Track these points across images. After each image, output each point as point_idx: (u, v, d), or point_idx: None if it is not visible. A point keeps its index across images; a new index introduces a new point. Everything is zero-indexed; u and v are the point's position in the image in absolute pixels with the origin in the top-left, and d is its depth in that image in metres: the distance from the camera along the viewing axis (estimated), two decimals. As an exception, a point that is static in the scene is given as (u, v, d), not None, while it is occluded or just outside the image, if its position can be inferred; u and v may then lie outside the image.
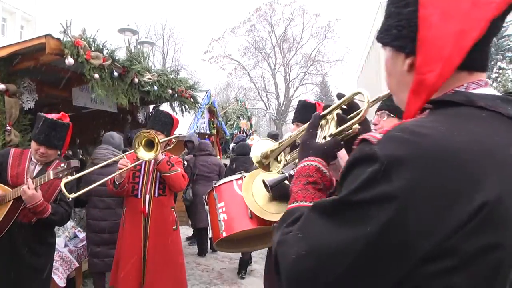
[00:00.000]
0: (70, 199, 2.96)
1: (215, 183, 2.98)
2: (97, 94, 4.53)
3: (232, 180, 2.97)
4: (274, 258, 0.99)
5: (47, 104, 6.58)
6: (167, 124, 3.81)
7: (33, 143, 3.18)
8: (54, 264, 4.50)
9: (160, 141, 3.60)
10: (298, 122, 3.37)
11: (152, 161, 3.60)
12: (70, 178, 3.07)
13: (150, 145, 3.39)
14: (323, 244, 0.83)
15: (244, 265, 6.03)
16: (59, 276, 4.53)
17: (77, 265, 4.87)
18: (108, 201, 4.65)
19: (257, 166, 1.93)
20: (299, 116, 3.39)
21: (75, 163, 3.15)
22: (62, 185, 2.95)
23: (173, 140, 3.97)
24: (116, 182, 3.53)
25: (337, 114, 1.32)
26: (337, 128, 1.30)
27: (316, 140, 1.27)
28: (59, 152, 3.34)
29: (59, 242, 4.78)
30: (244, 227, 2.78)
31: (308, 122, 1.31)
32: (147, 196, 3.68)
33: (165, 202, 3.76)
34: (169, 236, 3.70)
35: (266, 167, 1.89)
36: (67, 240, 4.97)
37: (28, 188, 2.90)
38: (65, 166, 3.10)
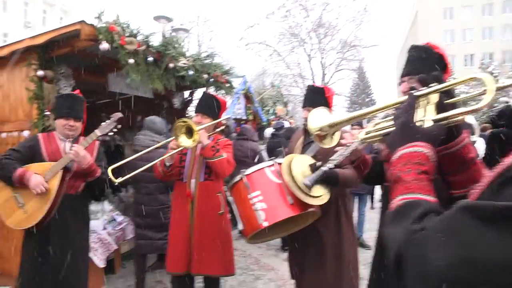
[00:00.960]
0: (117, 183, 2.99)
1: (244, 172, 2.92)
2: (132, 79, 4.54)
3: (264, 168, 2.95)
4: (395, 256, 0.89)
5: (83, 91, 6.66)
6: (213, 107, 3.71)
7: (59, 121, 3.25)
8: (93, 246, 4.61)
9: (207, 124, 3.54)
10: (308, 107, 3.28)
11: (199, 145, 3.51)
12: (115, 164, 3.11)
13: (190, 131, 3.29)
14: (490, 255, 0.73)
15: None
16: (98, 258, 4.63)
17: (116, 247, 4.95)
18: (150, 187, 4.67)
19: (313, 134, 1.87)
20: (308, 102, 3.33)
21: (118, 115, 3.21)
22: (109, 171, 2.98)
23: (223, 122, 3.89)
24: (167, 163, 3.49)
25: (440, 98, 1.19)
26: (436, 113, 1.18)
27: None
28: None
29: (98, 224, 4.87)
30: (287, 214, 2.75)
31: (406, 102, 1.18)
32: (193, 181, 3.60)
33: (211, 187, 3.64)
34: (215, 221, 3.60)
35: (321, 138, 1.82)
36: (106, 223, 5.06)
37: (78, 150, 2.98)
38: (109, 121, 3.17)
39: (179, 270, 3.57)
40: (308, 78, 35.03)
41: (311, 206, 2.79)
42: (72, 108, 3.24)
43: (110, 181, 2.98)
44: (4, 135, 4.55)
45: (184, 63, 5.43)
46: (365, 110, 1.49)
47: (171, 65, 5.14)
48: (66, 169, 3.08)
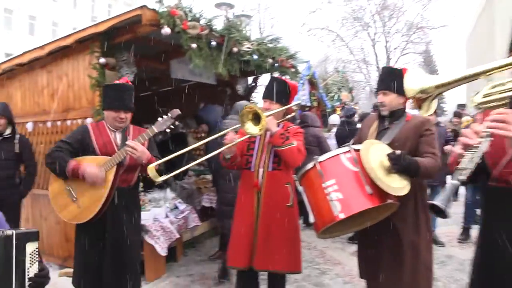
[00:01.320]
0: (157, 183, 2.82)
1: (317, 159, 2.64)
2: (195, 64, 4.36)
3: (339, 154, 2.63)
4: None
5: (146, 78, 6.64)
6: (282, 92, 3.43)
7: (109, 113, 3.11)
8: (155, 234, 4.54)
9: (276, 110, 3.29)
10: (385, 91, 2.94)
11: (267, 133, 3.26)
12: (156, 162, 2.87)
13: (257, 118, 3.04)
14: None
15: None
16: (160, 246, 4.54)
17: (178, 236, 4.84)
18: (231, 174, 4.41)
19: (411, 97, 1.56)
20: (385, 84, 2.97)
21: (176, 112, 3.05)
22: (149, 170, 2.75)
23: (294, 108, 3.63)
24: (225, 156, 3.26)
25: None
26: None
27: None
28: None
29: (160, 212, 4.78)
30: (365, 205, 2.47)
31: None
32: (260, 170, 3.34)
33: (279, 177, 3.35)
34: (282, 213, 3.32)
35: (420, 103, 1.51)
36: (168, 211, 4.95)
37: (135, 146, 2.86)
38: (166, 117, 3.03)
39: (242, 265, 3.34)
40: (372, 63, 33.79)
41: (390, 197, 2.51)
42: (121, 100, 3.08)
43: (150, 179, 2.75)
44: (69, 122, 4.58)
45: (248, 47, 5.20)
46: (484, 66, 1.12)
47: (235, 49, 4.96)
48: (119, 164, 2.97)
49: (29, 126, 4.78)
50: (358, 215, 2.56)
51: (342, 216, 2.43)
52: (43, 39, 5.55)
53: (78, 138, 3.09)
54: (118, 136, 3.14)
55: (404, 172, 2.54)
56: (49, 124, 4.71)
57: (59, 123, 4.72)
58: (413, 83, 1.56)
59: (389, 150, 2.61)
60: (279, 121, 3.38)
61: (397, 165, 2.51)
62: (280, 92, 3.42)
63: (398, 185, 2.50)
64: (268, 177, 3.32)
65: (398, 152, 2.53)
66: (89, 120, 4.22)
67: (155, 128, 3.00)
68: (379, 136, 2.93)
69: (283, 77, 3.79)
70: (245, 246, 3.31)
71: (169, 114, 3.05)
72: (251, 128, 3.03)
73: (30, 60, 4.75)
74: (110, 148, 3.03)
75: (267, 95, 3.45)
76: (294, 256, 3.36)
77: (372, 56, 33.64)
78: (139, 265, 3.24)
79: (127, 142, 2.92)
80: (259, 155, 3.37)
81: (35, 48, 4.62)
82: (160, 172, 2.80)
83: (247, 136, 3.20)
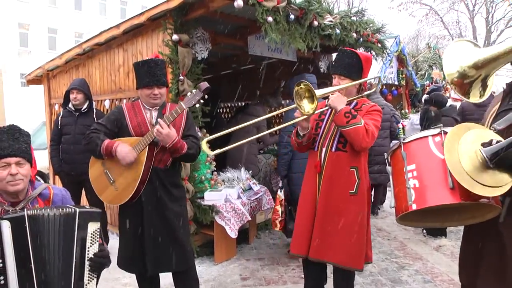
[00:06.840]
0: (212, 156, 2.66)
1: (403, 139, 2.32)
2: (270, 38, 3.89)
3: (428, 136, 2.23)
4: None
5: (225, 56, 6.32)
6: (351, 65, 2.89)
7: (143, 91, 2.87)
8: (226, 215, 4.26)
9: (339, 86, 2.84)
10: None
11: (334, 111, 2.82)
12: (211, 137, 2.70)
13: (312, 96, 2.67)
14: None
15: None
16: (230, 228, 4.24)
17: (249, 218, 4.48)
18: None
19: (450, 84, 1.05)
20: None
21: (204, 85, 2.77)
22: (203, 144, 2.60)
23: (372, 82, 3.12)
24: (300, 133, 2.87)
25: None
26: None
27: None
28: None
29: (232, 193, 4.46)
30: (441, 200, 2.07)
31: None
32: (323, 150, 2.90)
33: (344, 159, 2.87)
34: (344, 201, 2.87)
35: (463, 88, 1.00)
36: (240, 192, 4.61)
37: (162, 127, 2.64)
38: (195, 92, 2.77)
39: (300, 252, 2.95)
40: (469, 37, 30.49)
41: (484, 196, 1.94)
42: (153, 75, 2.83)
43: None
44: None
45: (330, 21, 4.61)
46: None
47: (315, 22, 4.41)
48: (152, 143, 2.76)
49: (107, 103, 4.69)
50: (450, 209, 2.21)
51: (414, 207, 2.09)
52: (114, 20, 5.48)
53: (111, 119, 2.91)
54: (154, 114, 2.90)
55: (504, 164, 1.87)
56: (124, 102, 4.59)
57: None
58: (449, 64, 1.03)
59: (493, 136, 1.94)
60: (352, 98, 2.90)
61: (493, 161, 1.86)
62: (349, 66, 2.89)
63: (488, 182, 1.88)
64: (331, 158, 2.87)
65: (497, 140, 1.87)
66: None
67: (183, 105, 2.74)
68: (496, 118, 2.18)
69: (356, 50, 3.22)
70: (304, 233, 2.93)
71: (197, 88, 2.79)
72: (306, 106, 2.67)
73: (107, 39, 4.60)
74: (144, 127, 2.83)
75: (334, 70, 2.94)
76: (354, 250, 2.86)
77: (470, 30, 30.33)
78: (189, 243, 3.04)
79: (159, 120, 2.70)
80: (324, 134, 2.92)
81: (111, 28, 4.46)
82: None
83: (319, 111, 2.83)
